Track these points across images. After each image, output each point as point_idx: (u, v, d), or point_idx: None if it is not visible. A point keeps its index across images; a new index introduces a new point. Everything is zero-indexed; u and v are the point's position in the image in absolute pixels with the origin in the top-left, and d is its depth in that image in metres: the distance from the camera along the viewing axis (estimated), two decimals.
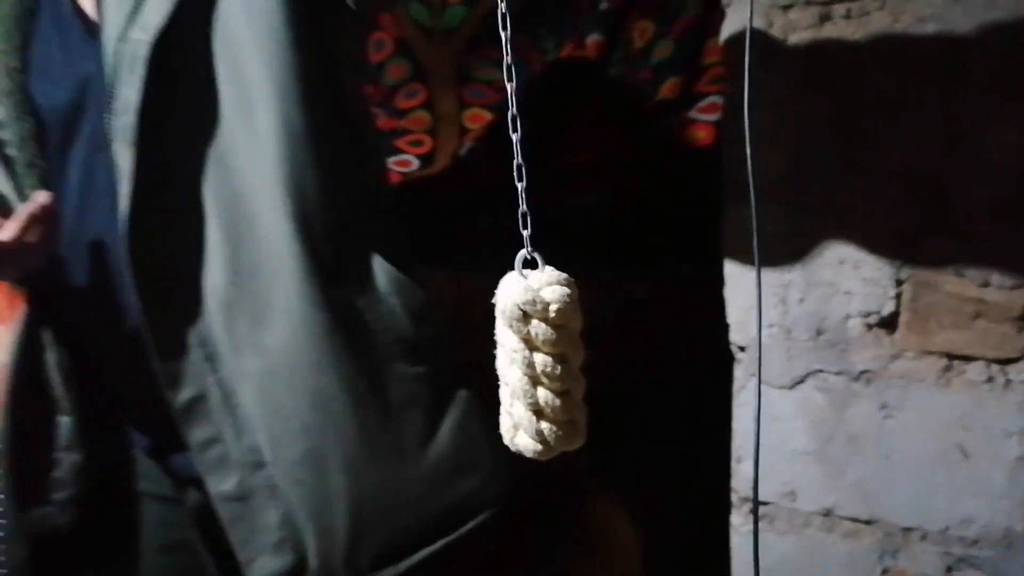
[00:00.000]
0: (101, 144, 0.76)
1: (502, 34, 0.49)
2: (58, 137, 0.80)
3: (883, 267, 0.92)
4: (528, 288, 0.43)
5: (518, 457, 0.50)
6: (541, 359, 0.43)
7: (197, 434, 0.78)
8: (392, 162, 1.82)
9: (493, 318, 0.49)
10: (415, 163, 1.87)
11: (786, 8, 0.94)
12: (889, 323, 0.93)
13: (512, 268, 0.49)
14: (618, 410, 1.55)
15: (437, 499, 0.81)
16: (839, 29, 0.91)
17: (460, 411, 0.84)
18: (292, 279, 0.76)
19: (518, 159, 0.49)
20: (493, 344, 0.50)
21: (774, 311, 0.99)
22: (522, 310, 0.43)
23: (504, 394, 0.46)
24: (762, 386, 1.00)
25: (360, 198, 0.84)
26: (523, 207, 0.47)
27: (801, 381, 0.99)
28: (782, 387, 1.00)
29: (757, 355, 0.76)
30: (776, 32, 0.94)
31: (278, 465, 0.78)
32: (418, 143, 1.87)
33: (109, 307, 0.80)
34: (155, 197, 0.74)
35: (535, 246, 0.49)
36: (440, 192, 1.87)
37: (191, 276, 0.76)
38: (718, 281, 1.04)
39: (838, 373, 0.97)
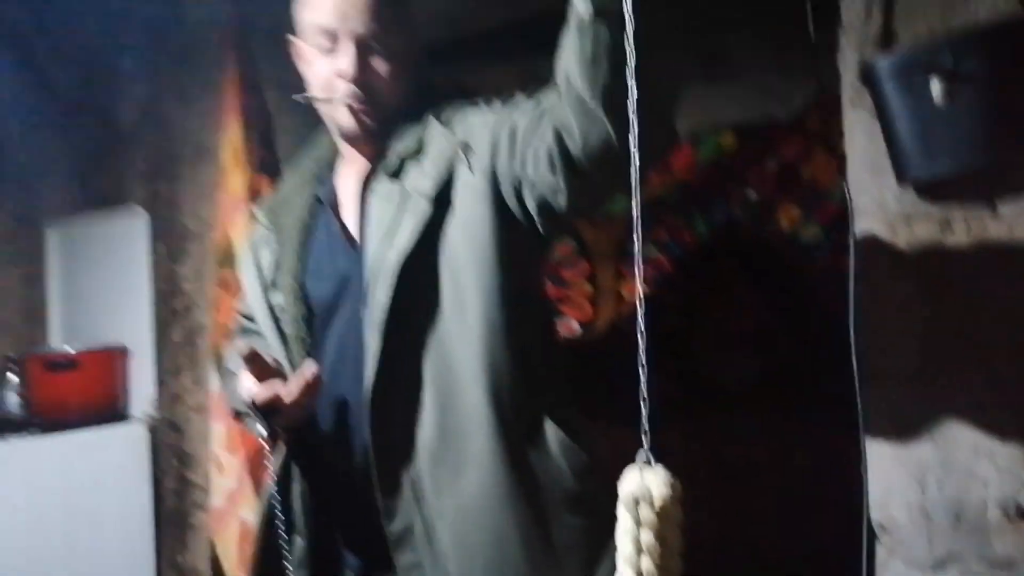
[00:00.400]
0: (352, 328, 1.02)
1: (635, 245, 0.62)
2: (320, 320, 1.07)
3: (1016, 456, 0.97)
4: (643, 482, 0.55)
5: None
6: (646, 537, 0.55)
7: (404, 559, 0.96)
8: (557, 324, 2.03)
9: None
10: (577, 327, 2.08)
11: (908, 219, 1.07)
12: None
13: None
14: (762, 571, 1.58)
15: None
16: (958, 239, 1.03)
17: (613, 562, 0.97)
18: (485, 438, 0.95)
19: (641, 360, 0.59)
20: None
21: (913, 493, 1.05)
22: (635, 497, 0.55)
23: (619, 559, 0.59)
24: (905, 567, 1.06)
25: (540, 371, 1.03)
26: (644, 418, 0.57)
27: (943, 565, 1.03)
28: (924, 569, 1.04)
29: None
30: (900, 241, 1.07)
31: None
32: (580, 309, 2.09)
33: (345, 452, 1.02)
34: (391, 371, 0.97)
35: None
36: (600, 354, 2.05)
37: (410, 432, 0.97)
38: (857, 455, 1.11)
39: (980, 559, 0.99)
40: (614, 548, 0.99)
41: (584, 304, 2.06)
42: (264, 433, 1.02)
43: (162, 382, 2.41)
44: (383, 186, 1.03)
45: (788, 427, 1.87)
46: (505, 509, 0.94)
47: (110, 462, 2.37)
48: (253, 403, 0.99)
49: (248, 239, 1.23)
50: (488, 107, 1.03)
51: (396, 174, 1.02)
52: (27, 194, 2.83)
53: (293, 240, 1.10)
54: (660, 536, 0.54)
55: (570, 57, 0.76)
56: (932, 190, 1.05)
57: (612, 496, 1.07)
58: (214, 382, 2.01)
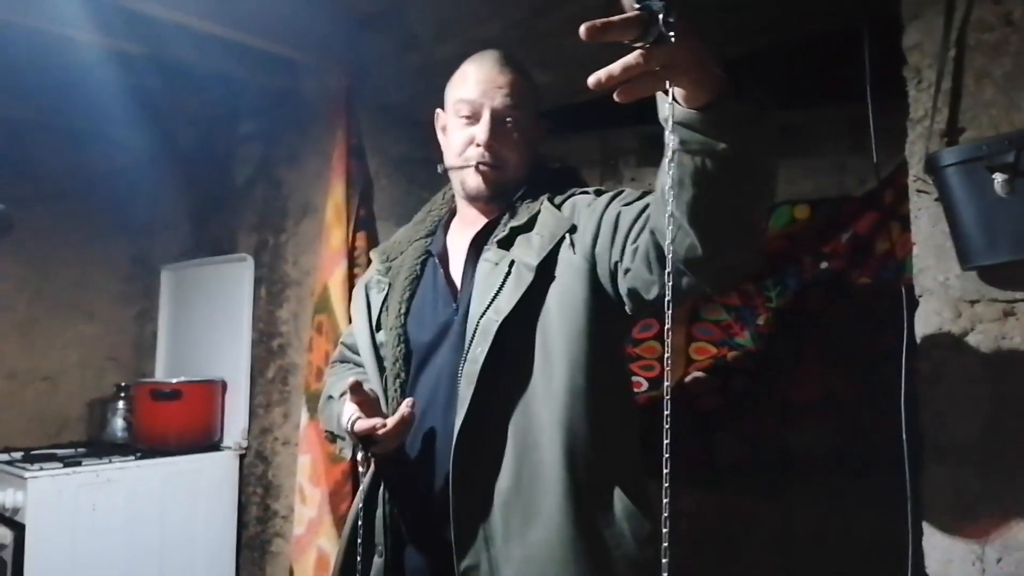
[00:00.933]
0: (446, 374, 1.12)
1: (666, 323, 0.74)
2: (418, 363, 1.18)
3: None
4: None
5: None
6: None
7: None
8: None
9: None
10: (645, 385, 2.14)
11: (973, 303, 1.12)
12: None
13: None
14: None
15: None
16: (1022, 323, 1.08)
17: None
18: (556, 495, 1.02)
19: (667, 442, 0.72)
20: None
21: (973, 567, 1.08)
22: None
23: None
24: None
25: (614, 436, 1.11)
26: (665, 502, 0.70)
27: None
28: None
29: None
30: (964, 322, 1.13)
31: None
32: (649, 367, 2.15)
33: (428, 487, 1.12)
34: (479, 419, 1.06)
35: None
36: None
37: (489, 478, 1.06)
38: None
39: None
40: None
41: (653, 363, 2.13)
42: (358, 456, 1.13)
43: (254, 415, 2.57)
44: (493, 253, 1.14)
45: (852, 496, 1.87)
46: (568, 565, 1.01)
47: (201, 488, 2.54)
48: (352, 429, 1.11)
49: (362, 281, 1.35)
50: (596, 196, 1.14)
51: (506, 244, 1.14)
52: (147, 240, 3.11)
53: (403, 286, 1.23)
54: None
55: (663, 176, 0.85)
56: (995, 275, 1.11)
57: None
58: (303, 417, 2.16)
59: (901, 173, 1.49)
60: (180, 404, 2.56)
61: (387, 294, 1.24)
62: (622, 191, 1.12)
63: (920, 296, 1.20)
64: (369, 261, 2.08)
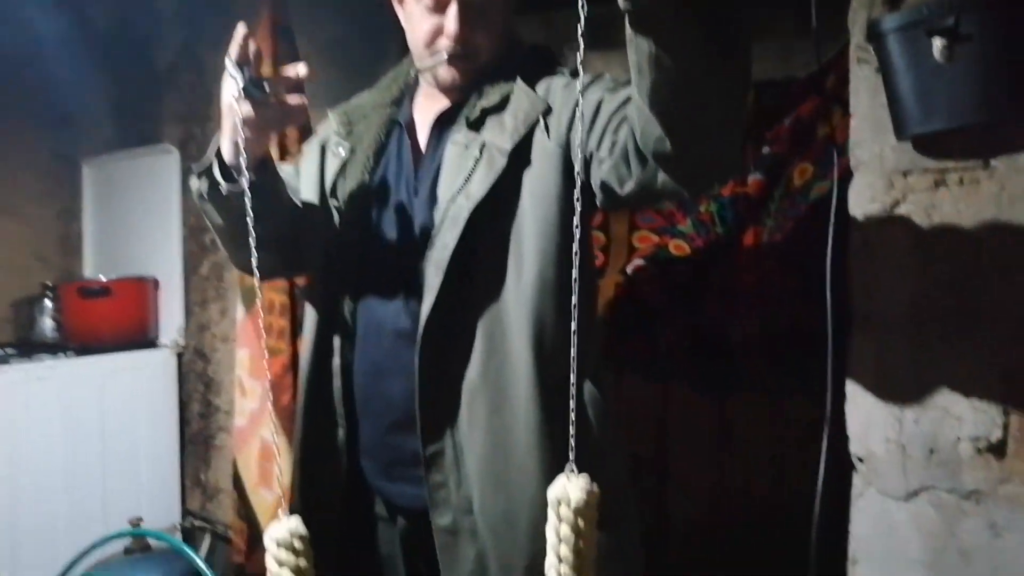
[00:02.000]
0: (407, 256, 1.06)
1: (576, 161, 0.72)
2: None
3: (992, 398, 1.04)
4: (564, 486, 0.71)
5: None
6: (565, 529, 0.70)
7: (434, 478, 1.04)
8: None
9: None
10: None
11: (905, 173, 1.13)
12: (997, 449, 1.04)
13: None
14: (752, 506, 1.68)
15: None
16: (952, 194, 1.09)
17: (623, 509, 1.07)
18: (525, 387, 1.01)
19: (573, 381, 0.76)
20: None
21: (891, 429, 1.13)
22: (558, 499, 0.70)
23: (548, 548, 0.72)
24: (880, 496, 1.14)
25: (583, 328, 1.08)
26: (572, 436, 0.73)
27: (915, 495, 1.11)
28: (897, 498, 1.12)
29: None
30: (896, 193, 1.13)
31: (482, 515, 1.02)
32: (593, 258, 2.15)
33: (392, 372, 1.07)
34: (446, 309, 1.01)
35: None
36: (612, 306, 2.12)
37: (457, 367, 1.02)
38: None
39: (949, 491, 1.07)
40: (629, 495, 1.06)
41: (597, 253, 2.13)
42: (237, 92, 0.95)
43: (190, 312, 2.51)
44: (463, 135, 1.07)
45: (788, 382, 1.95)
46: (531, 449, 1.01)
47: (140, 386, 2.51)
48: (230, 57, 0.96)
49: (317, 139, 1.24)
50: (574, 79, 1.07)
51: (476, 125, 1.07)
52: (65, 132, 2.92)
53: (367, 154, 1.14)
54: (576, 531, 0.70)
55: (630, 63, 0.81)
56: (929, 145, 1.11)
57: (621, 449, 1.14)
58: (239, 311, 2.11)
59: (843, 57, 1.47)
60: (110, 302, 2.49)
61: (346, 161, 1.15)
62: (602, 74, 1.05)
63: (855, 168, 1.20)
64: (301, 148, 2.00)
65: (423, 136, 1.14)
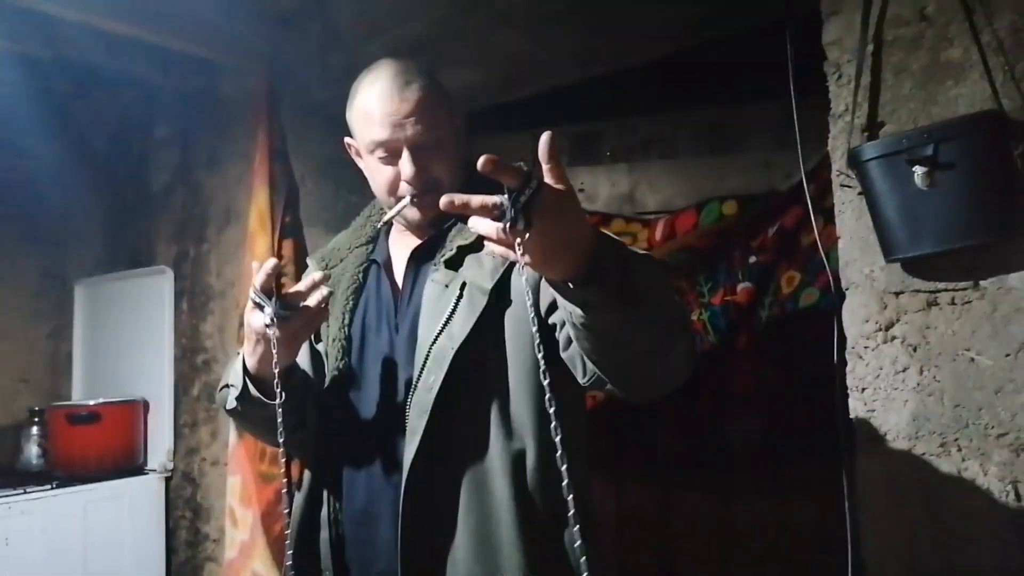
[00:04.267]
0: (390, 397, 1.06)
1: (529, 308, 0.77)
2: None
3: (1009, 522, 1.02)
4: None
5: None
6: None
7: None
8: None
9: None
10: None
11: (897, 294, 1.14)
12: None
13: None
14: None
15: None
16: (944, 314, 1.10)
17: None
18: (507, 528, 0.97)
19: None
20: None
21: (907, 551, 1.10)
22: None
23: None
24: None
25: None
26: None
27: None
28: None
29: None
30: (890, 313, 1.14)
31: None
32: None
33: (376, 512, 1.05)
34: (430, 454, 0.98)
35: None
36: (606, 412, 2.10)
37: (442, 513, 1.00)
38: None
39: None
40: None
41: None
42: (268, 319, 0.99)
43: (180, 435, 2.46)
44: (441, 273, 1.07)
45: (788, 486, 1.91)
46: None
47: (125, 513, 2.42)
48: (256, 288, 1.01)
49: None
50: None
51: (454, 263, 1.07)
52: (59, 252, 2.94)
53: (345, 295, 1.16)
54: None
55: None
56: (919, 266, 1.13)
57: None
58: (232, 436, 2.07)
59: (823, 167, 1.52)
60: (99, 427, 2.43)
61: (327, 304, 1.14)
62: None
63: (847, 289, 1.21)
64: (298, 272, 2.01)
65: (399, 273, 1.15)
